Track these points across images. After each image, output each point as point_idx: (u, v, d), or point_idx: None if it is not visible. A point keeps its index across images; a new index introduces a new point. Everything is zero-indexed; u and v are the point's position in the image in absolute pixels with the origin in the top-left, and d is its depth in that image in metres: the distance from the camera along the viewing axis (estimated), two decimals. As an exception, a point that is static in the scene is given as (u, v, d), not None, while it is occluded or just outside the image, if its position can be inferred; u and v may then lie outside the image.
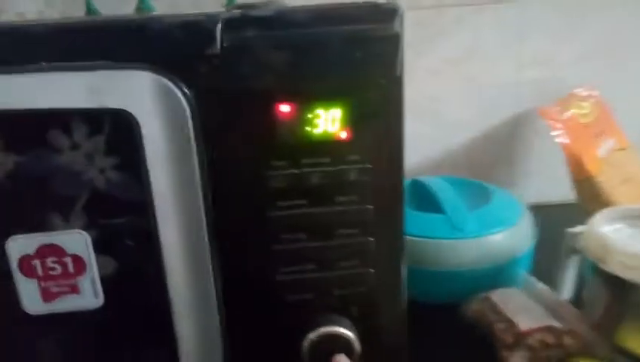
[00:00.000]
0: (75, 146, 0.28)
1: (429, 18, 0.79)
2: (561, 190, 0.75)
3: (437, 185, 0.67)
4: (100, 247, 0.30)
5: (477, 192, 0.67)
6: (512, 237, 0.60)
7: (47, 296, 0.31)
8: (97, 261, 0.31)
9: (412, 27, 0.79)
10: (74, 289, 0.31)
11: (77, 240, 0.30)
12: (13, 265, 0.30)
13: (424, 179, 0.70)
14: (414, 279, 0.53)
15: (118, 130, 0.27)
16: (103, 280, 0.31)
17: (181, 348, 0.31)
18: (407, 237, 0.58)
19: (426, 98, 0.82)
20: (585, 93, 0.78)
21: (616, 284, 0.46)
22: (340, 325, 0.33)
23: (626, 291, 0.46)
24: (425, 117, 0.83)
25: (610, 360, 0.47)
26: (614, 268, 0.45)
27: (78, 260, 0.31)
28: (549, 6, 0.80)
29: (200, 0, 0.69)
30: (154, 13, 0.47)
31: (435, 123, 0.84)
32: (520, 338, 0.49)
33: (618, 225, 0.51)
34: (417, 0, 0.78)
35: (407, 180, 0.73)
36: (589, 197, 0.70)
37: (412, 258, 0.58)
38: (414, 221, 0.61)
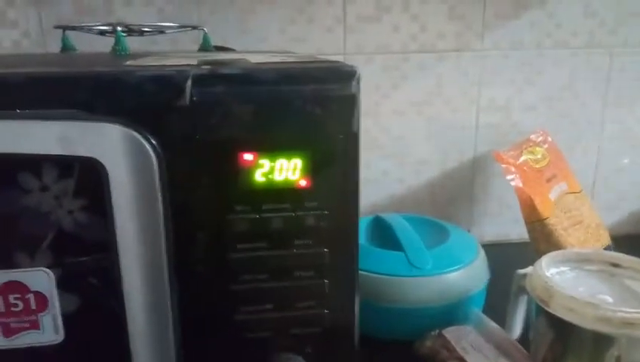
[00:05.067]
0: (44, 188, 0.30)
1: (395, 63, 0.83)
2: (518, 229, 0.79)
3: (397, 223, 0.70)
4: (63, 285, 0.31)
5: (435, 231, 0.70)
6: (466, 275, 0.63)
7: (8, 331, 0.32)
8: (60, 298, 0.32)
9: (380, 71, 0.84)
10: (34, 326, 0.32)
11: (41, 278, 0.31)
12: (-24, 300, 0.31)
13: (386, 216, 0.73)
14: (371, 315, 0.56)
15: (87, 175, 0.29)
16: (64, 316, 0.32)
17: (140, 384, 0.32)
18: (366, 273, 0.61)
19: (391, 138, 0.86)
20: (539, 139, 0.83)
21: (559, 325, 0.49)
22: (294, 363, 0.35)
23: (568, 332, 0.49)
24: (390, 156, 0.87)
25: (553, 398, 0.50)
26: (556, 309, 0.48)
27: (40, 297, 0.32)
28: (507, 57, 0.85)
29: (177, 39, 0.72)
30: (128, 54, 0.49)
31: (400, 162, 0.88)
32: (469, 376, 0.51)
33: (562, 268, 0.55)
34: (386, 46, 0.82)
35: (369, 216, 0.76)
36: (541, 239, 0.74)
37: (369, 294, 0.60)
38: (374, 257, 0.63)
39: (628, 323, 0.45)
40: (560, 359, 0.50)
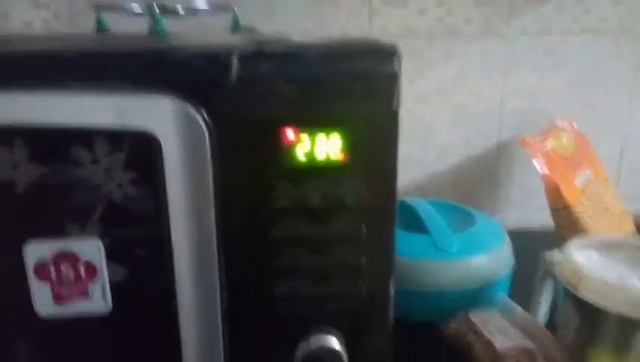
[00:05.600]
0: (95, 161, 0.31)
1: (420, 48, 0.83)
2: (541, 217, 0.79)
3: (422, 207, 0.70)
4: (112, 255, 0.33)
5: (460, 216, 0.70)
6: (492, 260, 0.63)
7: (59, 298, 0.33)
8: (108, 268, 0.33)
9: (406, 56, 0.83)
10: (84, 294, 0.33)
11: (91, 248, 0.32)
12: (30, 268, 0.32)
13: (410, 200, 0.74)
14: (397, 297, 0.56)
15: (139, 149, 0.30)
16: (112, 287, 0.33)
17: (185, 352, 0.33)
18: (393, 256, 0.61)
19: (415, 123, 0.86)
20: (565, 125, 0.83)
21: (586, 309, 0.49)
22: (330, 338, 0.36)
23: (596, 316, 0.49)
24: (414, 141, 0.87)
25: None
26: (585, 293, 0.49)
27: (90, 267, 0.33)
28: (533, 42, 0.85)
29: (208, 23, 0.73)
30: (166, 35, 0.50)
31: (423, 147, 0.88)
32: (496, 358, 0.52)
33: (590, 253, 0.55)
34: (412, 29, 0.82)
35: (394, 201, 0.76)
36: (566, 226, 0.74)
37: (396, 276, 0.61)
38: (400, 240, 0.63)
39: (658, 307, 0.45)
40: (587, 343, 0.51)
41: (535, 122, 0.86)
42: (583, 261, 0.52)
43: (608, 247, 0.56)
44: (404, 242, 0.64)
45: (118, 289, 0.34)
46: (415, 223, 0.68)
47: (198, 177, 0.30)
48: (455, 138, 0.88)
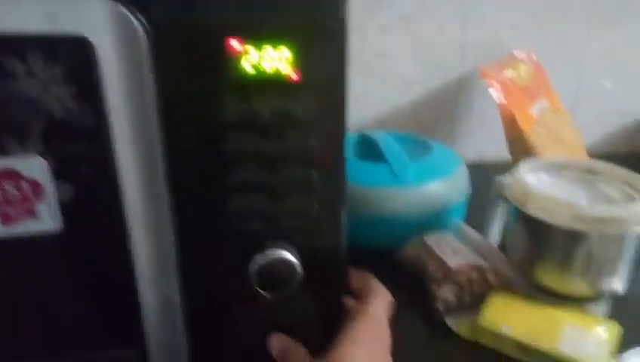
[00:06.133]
0: (31, 73, 0.29)
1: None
2: (498, 149, 0.80)
3: (382, 138, 0.71)
4: (57, 173, 0.32)
5: (418, 146, 0.71)
6: (448, 186, 0.65)
7: (6, 219, 0.32)
8: (55, 187, 0.32)
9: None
10: (32, 214, 0.33)
11: (34, 166, 0.31)
12: (-30, 188, 0.31)
13: (370, 132, 0.74)
14: (357, 224, 0.57)
15: (76, 58, 0.28)
16: (62, 206, 0.32)
17: (137, 267, 0.33)
18: (352, 184, 0.62)
19: (375, 56, 0.85)
20: (523, 56, 0.83)
21: (534, 226, 0.52)
22: (284, 252, 0.37)
23: (542, 232, 0.51)
24: (374, 75, 0.86)
25: (527, 294, 0.53)
26: (533, 211, 0.51)
27: (35, 185, 0.32)
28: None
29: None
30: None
31: (383, 81, 0.87)
32: (449, 275, 0.54)
33: (540, 174, 0.57)
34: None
35: (354, 133, 0.76)
36: (521, 154, 0.76)
37: (355, 204, 0.62)
38: (359, 170, 0.64)
39: (600, 221, 0.48)
40: (535, 259, 0.53)
41: (495, 54, 0.87)
42: (533, 181, 0.54)
43: (557, 169, 0.58)
44: (364, 171, 0.64)
45: (67, 209, 0.33)
46: (375, 154, 0.68)
47: (139, 87, 0.29)
48: (416, 71, 0.88)
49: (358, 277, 0.43)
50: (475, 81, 0.89)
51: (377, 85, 0.87)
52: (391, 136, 0.72)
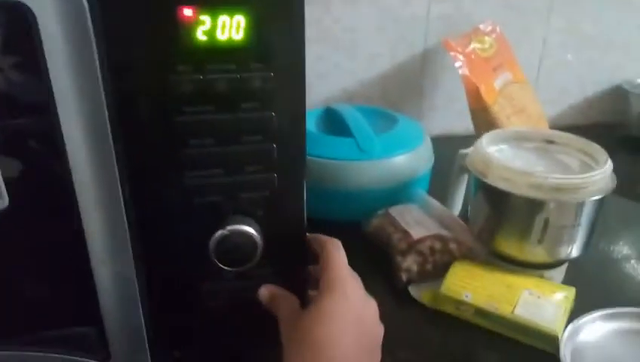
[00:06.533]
0: (-32, 43, 0.28)
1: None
2: (465, 122, 0.81)
3: (348, 112, 0.70)
4: (2, 148, 0.30)
5: (384, 119, 0.72)
6: (412, 159, 0.65)
7: (-52, 196, 0.31)
8: (1, 162, 0.31)
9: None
10: (-24, 191, 0.32)
11: (-23, 141, 0.30)
12: None
13: (337, 106, 0.74)
14: (322, 198, 0.58)
15: (16, 27, 0.27)
16: (7, 181, 0.31)
17: (90, 244, 0.32)
18: (317, 158, 0.62)
19: (342, 29, 0.84)
20: (488, 29, 0.84)
21: (495, 196, 0.53)
22: (245, 224, 0.36)
23: (503, 202, 0.52)
24: (340, 48, 0.86)
25: (487, 263, 0.55)
26: (493, 180, 0.51)
27: (-22, 161, 0.31)
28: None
29: None
30: None
31: (350, 55, 0.87)
32: (412, 245, 0.55)
33: (502, 146, 0.58)
34: None
35: (320, 108, 0.76)
36: (484, 126, 0.77)
37: (321, 178, 0.62)
38: (325, 144, 0.64)
39: (557, 189, 0.49)
40: (495, 228, 0.54)
41: (460, 27, 0.87)
42: (493, 152, 0.55)
43: (519, 140, 0.59)
44: (330, 145, 0.64)
45: (14, 185, 0.32)
46: (341, 128, 0.68)
47: (82, 57, 0.28)
48: (382, 44, 0.87)
49: (312, 241, 0.42)
50: (440, 55, 0.89)
51: (344, 59, 0.87)
52: (357, 109, 0.71)
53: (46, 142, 0.31)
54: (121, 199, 0.32)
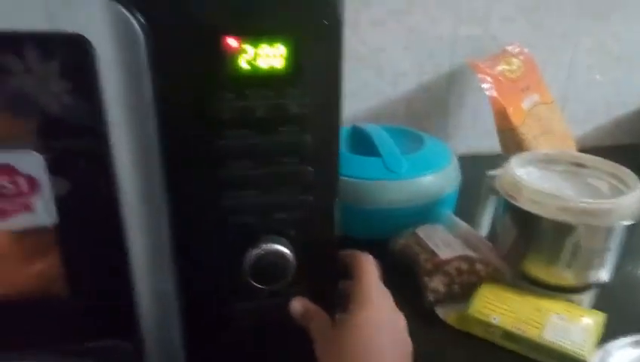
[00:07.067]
0: (28, 69, 0.30)
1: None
2: (490, 142, 0.81)
3: (374, 131, 0.71)
4: (53, 168, 0.32)
5: (411, 139, 0.72)
6: (439, 179, 0.66)
7: (2, 213, 0.33)
8: (51, 181, 0.32)
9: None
10: (27, 208, 0.33)
11: (29, 161, 0.32)
12: (-33, 182, 0.31)
13: (363, 125, 0.75)
14: (350, 216, 0.58)
15: (73, 55, 0.29)
16: (57, 199, 0.33)
17: (132, 260, 0.34)
18: (346, 178, 0.63)
19: (369, 49, 0.85)
20: (515, 50, 0.84)
21: (524, 218, 0.53)
22: (279, 244, 0.37)
23: (532, 225, 0.52)
24: (368, 67, 0.87)
25: (515, 286, 0.55)
26: (523, 203, 0.52)
27: (31, 180, 0.32)
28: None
29: None
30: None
31: (377, 74, 0.88)
32: (439, 266, 0.55)
33: (530, 169, 0.58)
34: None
35: (347, 126, 0.77)
36: (512, 147, 0.77)
37: (349, 197, 0.63)
38: (352, 163, 0.65)
39: (587, 213, 0.49)
40: (524, 251, 0.54)
41: (487, 48, 0.87)
42: (522, 174, 0.55)
43: (547, 162, 0.59)
44: (358, 165, 0.65)
45: (63, 202, 0.33)
46: (368, 147, 0.69)
47: (136, 85, 0.29)
48: (409, 64, 0.88)
49: (344, 257, 0.43)
50: (466, 75, 0.89)
51: (371, 78, 0.88)
52: (384, 129, 0.72)
53: (95, 164, 0.32)
54: (166, 218, 0.33)
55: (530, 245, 0.54)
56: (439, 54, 0.89)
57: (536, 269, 0.54)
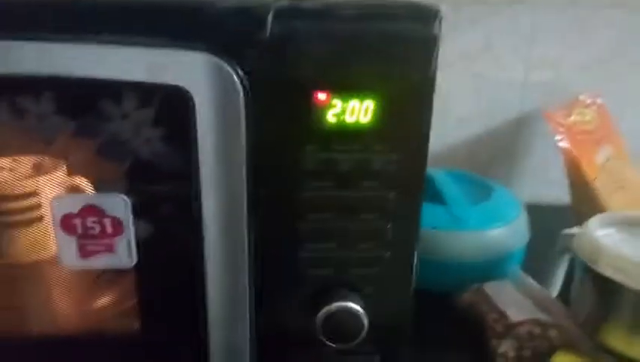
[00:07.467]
0: (124, 116, 0.30)
1: (446, 14, 0.80)
2: (556, 192, 0.78)
3: (440, 177, 0.69)
4: (139, 212, 0.32)
5: (477, 187, 0.70)
6: (508, 233, 0.63)
7: (84, 253, 0.33)
8: (135, 224, 0.33)
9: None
10: (109, 249, 0.33)
11: (117, 204, 0.32)
12: (57, 221, 0.32)
13: (428, 170, 0.73)
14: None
15: (170, 104, 0.29)
16: (138, 241, 0.33)
17: (210, 310, 0.33)
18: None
19: (436, 92, 0.84)
20: (589, 100, 0.81)
21: (604, 285, 0.49)
22: (353, 301, 0.36)
23: (613, 292, 0.49)
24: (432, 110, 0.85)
25: (592, 357, 0.51)
26: (604, 269, 0.48)
27: (116, 222, 0.33)
28: (561, 11, 0.82)
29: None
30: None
31: (440, 117, 0.86)
32: (509, 329, 0.52)
33: (610, 230, 0.54)
34: (436, -3, 0.79)
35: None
36: (585, 201, 0.73)
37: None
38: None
39: (677, 285, 0.45)
40: (602, 319, 0.51)
41: (557, 95, 0.84)
42: (603, 237, 0.52)
43: (628, 225, 0.55)
44: (422, 212, 0.63)
45: (144, 245, 0.33)
46: (432, 194, 0.67)
47: (230, 135, 0.29)
48: (474, 108, 0.86)
49: None
50: (534, 122, 0.87)
51: (435, 120, 0.86)
52: (449, 175, 0.70)
53: (181, 210, 0.32)
54: (247, 269, 0.33)
55: (610, 314, 0.50)
56: (506, 100, 0.87)
57: (617, 340, 0.50)
